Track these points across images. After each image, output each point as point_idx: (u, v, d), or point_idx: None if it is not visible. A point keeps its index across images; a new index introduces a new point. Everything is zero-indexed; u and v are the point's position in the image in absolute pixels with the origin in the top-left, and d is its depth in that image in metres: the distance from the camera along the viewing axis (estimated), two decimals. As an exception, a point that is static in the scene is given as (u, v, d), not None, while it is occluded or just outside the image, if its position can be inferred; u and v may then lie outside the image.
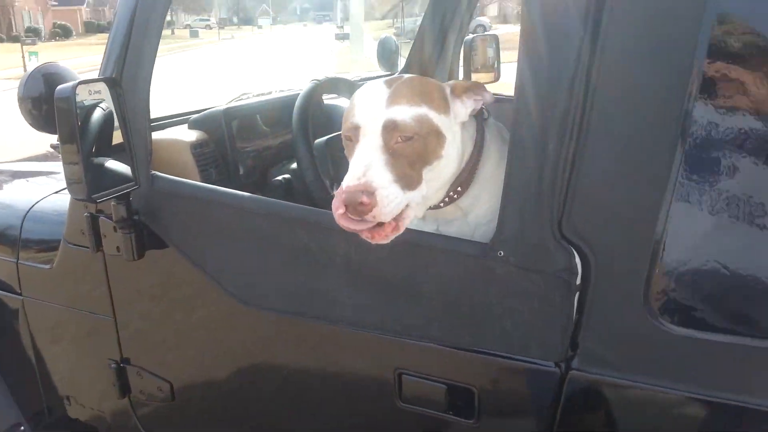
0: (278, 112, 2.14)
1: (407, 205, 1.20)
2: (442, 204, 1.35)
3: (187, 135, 1.87)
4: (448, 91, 1.29)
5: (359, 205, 1.10)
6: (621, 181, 1.06)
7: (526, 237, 1.15)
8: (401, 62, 3.47)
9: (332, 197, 1.69)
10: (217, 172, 1.87)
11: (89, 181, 1.37)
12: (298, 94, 2.32)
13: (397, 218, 1.18)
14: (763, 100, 0.95)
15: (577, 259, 1.12)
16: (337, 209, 1.13)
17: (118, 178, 1.60)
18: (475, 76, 3.54)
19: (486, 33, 3.66)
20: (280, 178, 1.89)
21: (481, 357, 1.27)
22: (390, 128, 1.19)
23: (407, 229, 1.33)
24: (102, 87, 1.45)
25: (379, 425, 1.49)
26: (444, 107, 1.26)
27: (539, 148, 1.09)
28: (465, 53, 3.43)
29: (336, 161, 1.91)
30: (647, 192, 1.04)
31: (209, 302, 1.63)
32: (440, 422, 1.35)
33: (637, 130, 1.03)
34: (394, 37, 3.62)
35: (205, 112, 1.99)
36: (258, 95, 2.31)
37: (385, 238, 1.18)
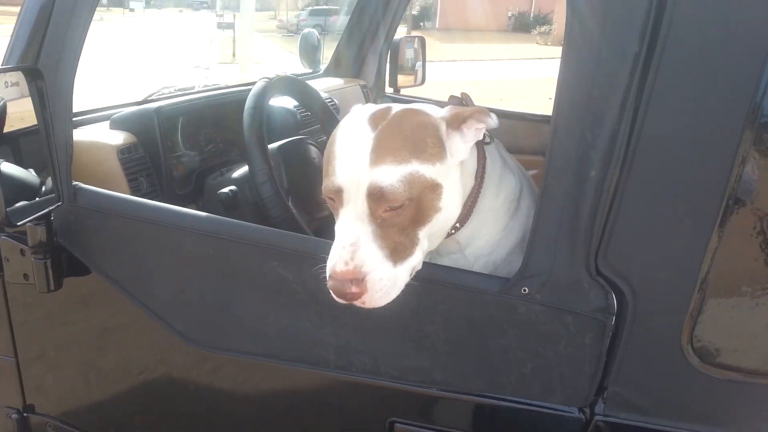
0: (215, 111, 1.87)
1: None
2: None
3: (111, 136, 1.56)
4: (443, 128, 1.09)
5: (347, 295, 1.00)
6: (668, 214, 0.97)
7: (556, 273, 1.02)
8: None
9: (291, 215, 1.50)
10: (148, 182, 1.58)
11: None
12: (235, 91, 2.07)
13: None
14: None
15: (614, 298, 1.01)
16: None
17: (22, 188, 1.30)
18: (401, 78, 3.45)
19: (413, 35, 3.55)
20: (226, 190, 1.64)
21: (492, 404, 1.14)
22: (376, 196, 1.01)
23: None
24: (19, 77, 1.14)
25: None
26: (438, 153, 1.06)
27: (579, 175, 0.97)
28: (392, 54, 3.34)
29: (290, 170, 1.69)
30: (695, 228, 0.95)
31: (149, 341, 1.36)
32: None
33: (690, 160, 0.94)
34: (316, 32, 3.43)
35: (131, 109, 1.67)
36: (181, 91, 2.01)
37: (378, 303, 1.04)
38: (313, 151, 1.88)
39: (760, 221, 0.93)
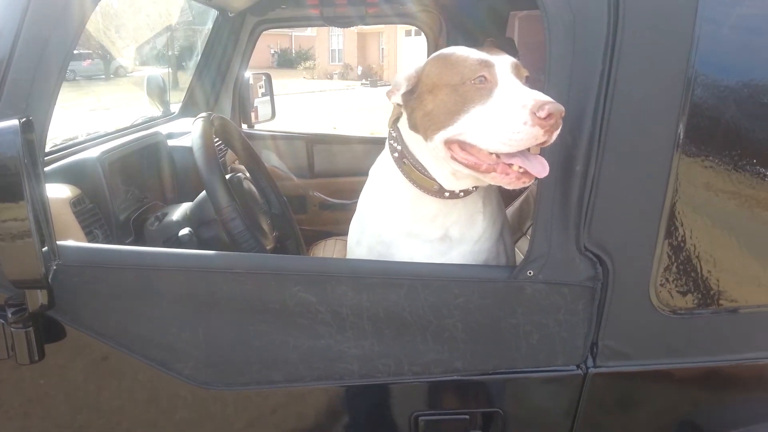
0: (139, 156, 1.82)
1: None
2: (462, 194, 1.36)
3: (56, 189, 1.47)
4: None
5: (560, 118, 1.11)
6: (631, 197, 1.23)
7: (553, 254, 1.23)
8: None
9: (260, 246, 1.54)
10: (102, 233, 1.51)
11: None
12: (142, 136, 2.01)
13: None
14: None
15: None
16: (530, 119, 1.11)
17: None
18: (255, 114, 3.53)
19: (260, 72, 3.64)
20: (186, 231, 1.61)
21: (506, 377, 1.31)
22: (519, 68, 1.25)
23: (430, 264, 1.31)
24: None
25: None
26: None
27: (566, 170, 1.20)
28: (242, 92, 3.41)
29: (244, 204, 1.71)
30: (651, 206, 1.23)
31: (150, 393, 1.31)
32: None
33: (640, 152, 1.21)
34: (160, 75, 3.38)
35: (68, 160, 1.57)
36: (93, 135, 1.92)
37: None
38: (246, 183, 1.92)
39: (694, 203, 1.23)
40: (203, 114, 1.70)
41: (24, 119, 1.07)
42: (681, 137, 1.19)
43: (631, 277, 1.27)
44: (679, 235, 1.25)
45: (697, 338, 1.32)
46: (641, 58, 1.17)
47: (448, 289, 1.26)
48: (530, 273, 1.24)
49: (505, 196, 1.68)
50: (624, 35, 1.15)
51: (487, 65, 1.22)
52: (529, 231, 2.12)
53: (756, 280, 1.31)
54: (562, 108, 1.10)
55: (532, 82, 1.27)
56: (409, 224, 1.41)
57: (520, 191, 2.33)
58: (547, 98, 1.12)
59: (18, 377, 1.29)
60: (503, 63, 1.23)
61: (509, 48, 2.60)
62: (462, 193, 1.35)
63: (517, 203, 2.24)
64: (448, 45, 3.39)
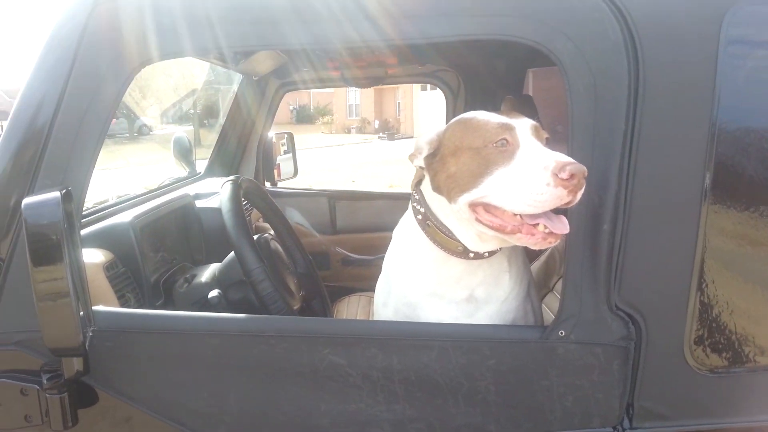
0: (166, 220, 1.86)
1: None
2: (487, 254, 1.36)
3: (92, 255, 1.50)
4: None
5: (583, 177, 1.12)
6: (662, 255, 1.23)
7: (584, 313, 1.23)
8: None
9: (288, 307, 1.55)
10: (134, 297, 1.53)
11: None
12: (177, 193, 2.06)
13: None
14: None
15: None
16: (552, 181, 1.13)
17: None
18: (278, 171, 3.60)
19: (282, 132, 3.74)
20: (215, 294, 1.63)
21: None
22: (539, 130, 1.28)
23: (460, 325, 1.31)
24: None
25: None
26: None
27: (594, 229, 1.20)
28: (265, 151, 3.48)
29: (272, 265, 1.73)
30: (682, 264, 1.22)
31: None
32: None
33: (667, 208, 1.22)
34: (186, 135, 3.48)
35: (101, 224, 1.62)
36: (124, 198, 1.97)
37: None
38: (273, 243, 1.94)
39: (725, 257, 1.23)
40: (232, 177, 1.74)
41: (65, 190, 1.11)
42: (708, 191, 1.19)
43: (665, 336, 1.25)
44: (712, 291, 1.24)
45: (735, 398, 1.29)
46: (663, 115, 1.19)
47: (480, 350, 1.25)
48: (562, 333, 1.23)
49: (530, 253, 1.68)
50: (645, 93, 1.17)
51: (508, 128, 1.25)
52: (556, 287, 2.11)
53: None
54: (584, 168, 1.12)
55: (550, 134, 1.30)
56: (434, 285, 1.41)
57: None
58: (569, 159, 1.14)
59: None
60: (523, 126, 1.26)
61: (528, 105, 2.66)
62: (487, 254, 1.36)
63: (542, 258, 2.23)
64: (466, 101, 3.49)
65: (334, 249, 3.29)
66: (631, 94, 1.18)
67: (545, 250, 2.30)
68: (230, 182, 1.70)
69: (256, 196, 1.93)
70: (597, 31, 1.17)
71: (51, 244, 1.06)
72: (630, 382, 1.26)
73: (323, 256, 3.26)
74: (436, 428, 1.27)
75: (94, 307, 1.24)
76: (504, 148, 1.23)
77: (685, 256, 1.22)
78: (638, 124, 1.18)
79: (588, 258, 1.22)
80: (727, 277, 1.24)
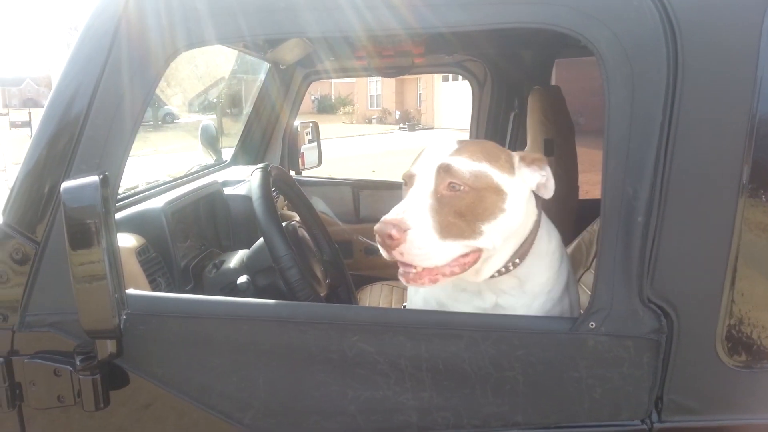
0: (196, 206, 1.88)
1: (468, 254, 1.22)
2: (501, 271, 1.33)
3: (125, 239, 1.53)
4: (516, 158, 1.30)
5: (387, 238, 1.15)
6: (696, 247, 1.21)
7: (616, 306, 1.22)
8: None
9: (316, 294, 1.56)
10: (165, 281, 1.55)
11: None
12: (206, 180, 2.08)
13: (450, 265, 1.21)
14: None
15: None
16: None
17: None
18: (302, 160, 3.62)
19: (307, 121, 3.76)
20: (244, 279, 1.65)
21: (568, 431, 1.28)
22: (442, 172, 1.22)
23: (490, 315, 1.30)
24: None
25: None
26: (508, 168, 1.27)
27: (628, 221, 1.19)
28: (291, 139, 3.50)
29: (299, 252, 1.75)
30: (716, 256, 1.21)
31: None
32: None
33: (703, 201, 1.20)
34: (213, 124, 3.51)
35: (133, 209, 1.64)
36: (154, 184, 2.00)
37: (417, 280, 1.20)
38: (300, 231, 1.95)
39: (760, 251, 1.21)
40: (261, 165, 1.75)
41: (102, 175, 1.13)
42: (745, 184, 1.17)
43: (697, 330, 1.24)
44: (746, 286, 1.22)
45: (766, 394, 1.27)
46: (702, 106, 1.16)
47: (509, 340, 1.24)
48: (592, 325, 1.22)
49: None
50: (684, 84, 1.15)
51: (410, 176, 1.28)
52: (582, 279, 2.10)
53: None
54: (386, 229, 1.15)
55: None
56: (458, 292, 1.41)
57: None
58: (393, 217, 1.17)
59: (81, 424, 1.32)
60: (426, 171, 1.25)
61: (556, 96, 2.62)
62: (497, 274, 1.33)
63: (569, 250, 2.22)
64: (492, 92, 3.46)
65: (357, 238, 3.30)
66: (669, 84, 1.16)
67: (574, 242, 2.29)
68: (260, 170, 1.71)
69: (284, 183, 1.94)
70: (635, 18, 1.15)
71: (88, 228, 1.08)
72: (660, 376, 1.25)
73: (346, 244, 3.27)
74: (463, 417, 1.27)
75: (127, 291, 1.26)
76: None
77: (720, 250, 1.20)
78: (676, 114, 1.16)
79: (621, 250, 1.20)
80: (762, 272, 1.22)
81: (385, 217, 1.17)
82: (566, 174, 2.75)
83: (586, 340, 1.23)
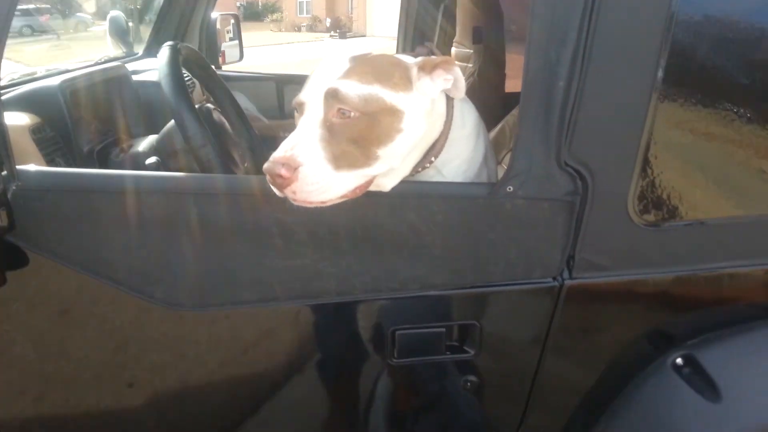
0: (102, 88, 1.74)
1: (372, 178, 1.17)
2: (420, 170, 1.30)
3: (16, 117, 1.39)
4: (414, 70, 1.21)
5: (278, 177, 1.08)
6: (612, 112, 1.21)
7: (534, 170, 1.22)
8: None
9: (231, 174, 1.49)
10: (65, 162, 1.44)
11: None
12: (106, 68, 1.92)
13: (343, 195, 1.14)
14: None
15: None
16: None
17: None
18: (222, 57, 3.44)
19: (227, 13, 3.53)
20: (153, 160, 1.55)
21: (484, 291, 1.32)
22: (330, 98, 1.13)
23: (408, 182, 1.28)
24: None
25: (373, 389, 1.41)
26: (403, 85, 1.19)
27: (549, 87, 1.17)
28: (209, 32, 3.31)
29: (215, 134, 1.66)
30: (631, 122, 1.22)
31: (120, 319, 1.28)
32: (436, 366, 1.37)
33: (623, 69, 1.18)
34: (122, 14, 3.24)
35: (27, 87, 1.49)
36: (54, 70, 1.83)
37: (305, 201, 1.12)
38: (216, 114, 1.85)
39: (673, 121, 1.23)
40: (170, 42, 1.62)
41: None
42: (664, 53, 1.17)
43: (610, 191, 1.26)
44: (659, 150, 1.24)
45: (670, 249, 1.34)
46: None
47: (428, 206, 1.24)
48: (510, 189, 1.23)
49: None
50: None
51: (300, 104, 1.21)
52: (505, 160, 2.11)
53: (721, 194, 1.34)
54: (275, 168, 1.07)
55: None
56: None
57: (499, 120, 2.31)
58: (281, 154, 1.09)
59: None
60: (315, 98, 1.16)
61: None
62: (420, 170, 1.30)
63: (492, 134, 2.22)
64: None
65: (282, 134, 3.20)
66: None
67: (497, 125, 2.29)
68: (168, 47, 1.58)
69: (196, 65, 1.81)
70: None
71: None
72: (573, 236, 1.28)
73: (271, 141, 3.16)
74: (381, 281, 1.28)
75: (18, 166, 1.16)
76: None
77: (637, 114, 1.21)
78: None
79: (541, 114, 1.19)
80: (672, 140, 1.25)
81: (274, 155, 1.09)
82: (494, 61, 2.72)
83: (504, 203, 1.24)
